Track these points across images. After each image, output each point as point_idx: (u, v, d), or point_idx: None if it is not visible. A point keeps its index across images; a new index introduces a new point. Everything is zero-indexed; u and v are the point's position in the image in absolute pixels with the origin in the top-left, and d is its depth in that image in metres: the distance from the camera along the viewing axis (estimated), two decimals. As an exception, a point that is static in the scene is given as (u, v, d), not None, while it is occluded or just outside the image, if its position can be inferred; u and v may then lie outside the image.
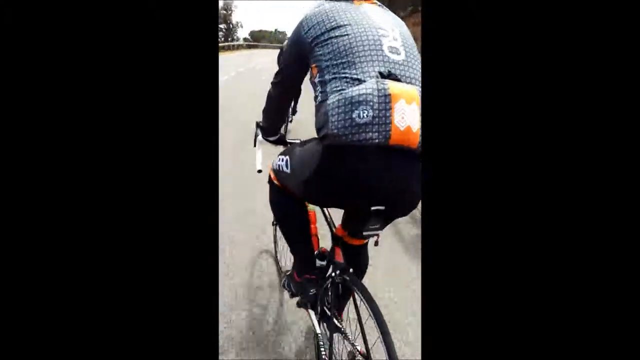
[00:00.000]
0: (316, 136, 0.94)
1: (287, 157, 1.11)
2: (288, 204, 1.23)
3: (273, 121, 1.29)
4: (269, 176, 1.26)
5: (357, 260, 1.27)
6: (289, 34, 1.24)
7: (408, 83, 0.86)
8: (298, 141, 1.23)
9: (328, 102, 0.85)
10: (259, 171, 1.32)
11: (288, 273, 1.44)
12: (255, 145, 1.42)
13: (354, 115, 0.80)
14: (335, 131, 0.82)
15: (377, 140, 0.80)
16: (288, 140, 1.36)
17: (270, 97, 1.18)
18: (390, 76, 0.85)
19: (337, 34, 0.91)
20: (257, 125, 1.38)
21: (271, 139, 1.35)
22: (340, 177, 0.87)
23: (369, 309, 0.98)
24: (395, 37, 0.93)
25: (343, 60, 0.88)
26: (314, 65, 0.95)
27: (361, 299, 1.02)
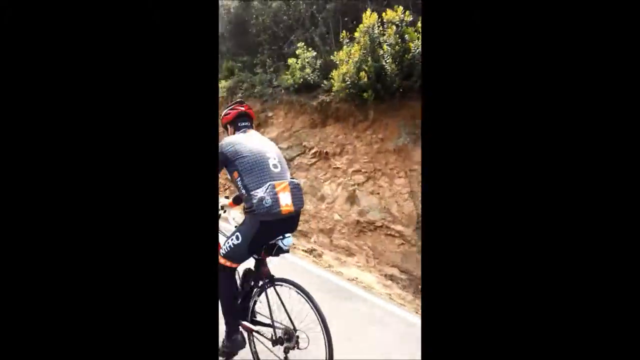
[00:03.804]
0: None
1: (236, 234, 1.84)
2: (234, 284, 1.97)
3: None
4: (221, 265, 1.86)
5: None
6: None
7: (283, 180, 1.82)
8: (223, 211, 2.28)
9: (253, 200, 1.74)
10: None
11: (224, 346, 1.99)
12: None
13: (264, 203, 1.71)
14: (261, 211, 1.73)
15: (276, 214, 1.74)
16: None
17: None
18: (274, 180, 1.79)
19: (246, 156, 1.83)
20: None
21: None
22: (268, 232, 1.84)
23: (307, 299, 1.76)
24: (274, 157, 1.90)
25: (251, 172, 1.79)
26: (235, 171, 1.85)
27: (298, 292, 1.81)
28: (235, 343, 1.88)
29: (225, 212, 2.27)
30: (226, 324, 1.89)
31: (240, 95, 6.99)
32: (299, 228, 5.15)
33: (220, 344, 1.91)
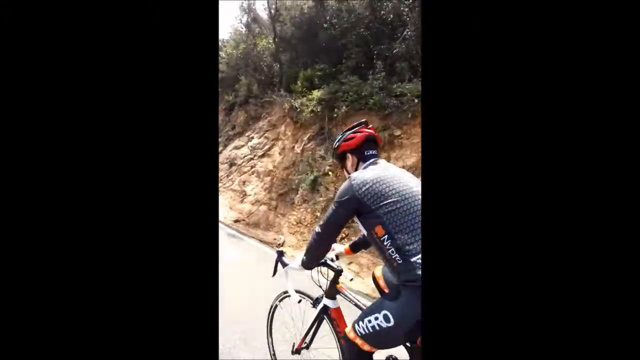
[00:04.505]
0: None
1: (384, 312, 1.21)
2: None
3: (318, 256, 1.49)
4: (353, 346, 1.31)
5: None
6: None
7: None
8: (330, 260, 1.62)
9: (417, 271, 1.13)
10: (299, 301, 1.62)
11: None
12: (274, 275, 1.71)
13: None
14: None
15: None
16: (328, 262, 1.59)
17: (319, 237, 1.38)
18: None
19: (395, 202, 1.22)
20: (280, 254, 1.71)
21: (308, 269, 1.53)
22: None
23: None
24: None
25: (407, 226, 1.19)
26: (378, 225, 1.23)
27: None
28: None
29: (338, 259, 1.71)
30: None
31: (345, 108, 5.28)
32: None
33: None
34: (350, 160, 1.47)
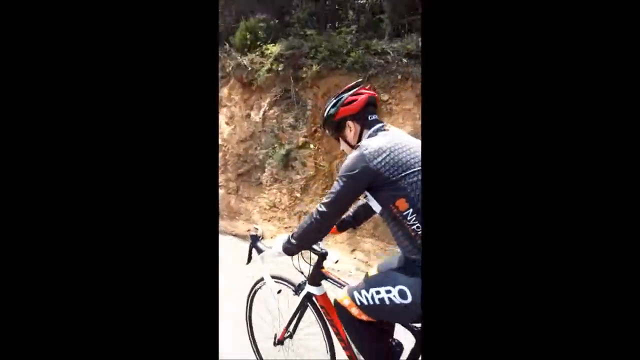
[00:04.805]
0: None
1: (399, 287, 1.11)
2: (381, 334, 1.27)
3: (315, 240, 1.34)
4: (346, 314, 1.23)
5: None
6: None
7: None
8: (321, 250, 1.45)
9: None
10: (279, 291, 1.45)
11: None
12: (249, 263, 1.51)
13: None
14: None
15: None
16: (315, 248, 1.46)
17: (323, 218, 1.18)
18: None
19: (418, 174, 1.10)
20: (255, 239, 1.49)
21: (291, 255, 1.35)
22: None
23: None
24: None
25: None
26: (401, 198, 1.12)
27: None
28: None
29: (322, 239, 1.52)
30: None
31: (317, 67, 4.46)
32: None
33: None
34: (352, 128, 1.30)
